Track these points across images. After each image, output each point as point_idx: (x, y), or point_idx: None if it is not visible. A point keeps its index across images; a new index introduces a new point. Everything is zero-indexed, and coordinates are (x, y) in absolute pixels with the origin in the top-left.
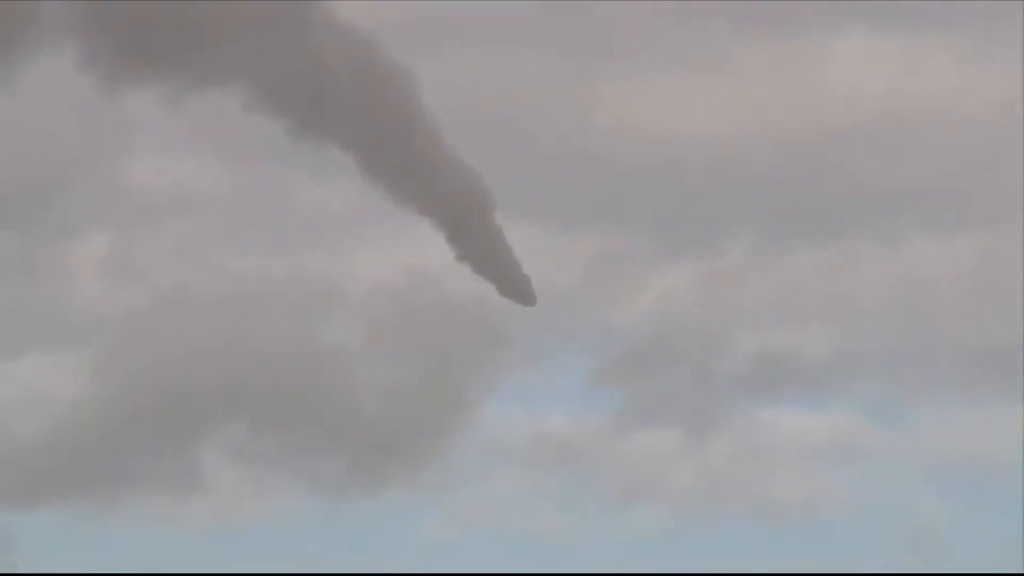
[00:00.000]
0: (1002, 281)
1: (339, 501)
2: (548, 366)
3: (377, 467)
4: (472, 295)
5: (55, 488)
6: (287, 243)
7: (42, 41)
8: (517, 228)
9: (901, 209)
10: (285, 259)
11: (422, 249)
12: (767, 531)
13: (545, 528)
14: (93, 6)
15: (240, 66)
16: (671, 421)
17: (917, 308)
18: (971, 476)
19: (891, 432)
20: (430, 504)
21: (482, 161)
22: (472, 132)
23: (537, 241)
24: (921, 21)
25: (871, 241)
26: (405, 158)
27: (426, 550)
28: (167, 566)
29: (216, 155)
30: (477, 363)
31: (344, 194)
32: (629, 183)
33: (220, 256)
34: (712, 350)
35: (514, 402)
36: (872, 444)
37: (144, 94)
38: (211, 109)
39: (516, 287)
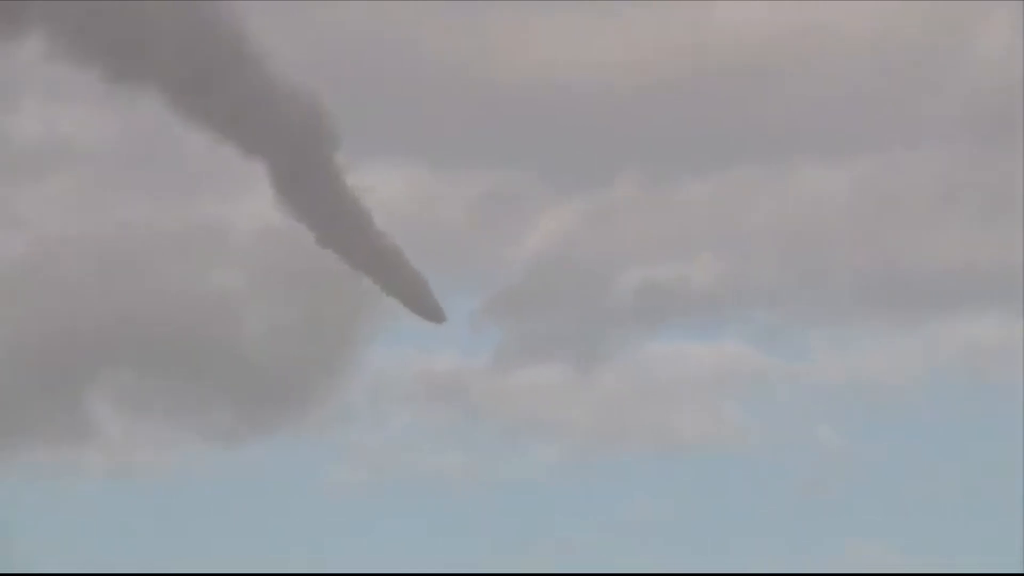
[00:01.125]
0: (891, 207)
1: (231, 447)
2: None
3: (267, 411)
4: None
5: None
6: (173, 190)
7: None
8: (405, 168)
9: (789, 139)
10: (172, 206)
11: None
12: (666, 464)
13: (442, 467)
14: None
15: (42, 11)
16: (559, 356)
17: (807, 237)
18: (866, 402)
19: (785, 361)
20: (323, 446)
21: (367, 100)
22: (358, 70)
23: (425, 180)
24: None
25: (759, 172)
26: (227, 100)
27: (323, 492)
28: (62, 519)
29: (101, 103)
30: (364, 304)
31: None
32: (517, 121)
33: (106, 204)
34: (599, 285)
35: (403, 342)
36: (767, 373)
37: None
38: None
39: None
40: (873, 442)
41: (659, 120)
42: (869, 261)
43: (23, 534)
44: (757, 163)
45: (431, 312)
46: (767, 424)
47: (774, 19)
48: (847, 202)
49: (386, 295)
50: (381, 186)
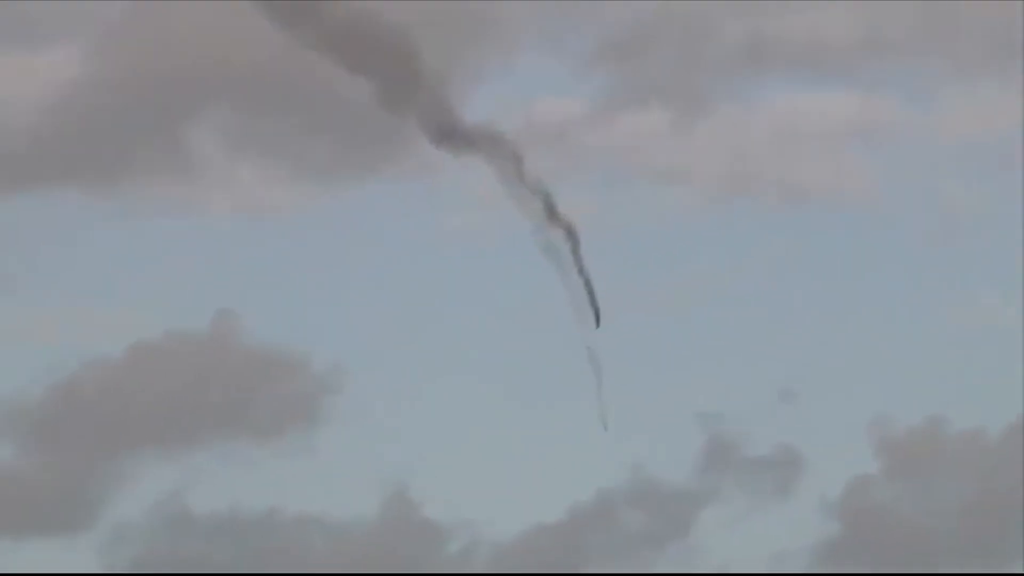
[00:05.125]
0: None
1: (331, 185)
2: (540, 52)
3: (368, 151)
4: None
5: (45, 174)
6: None
7: None
8: None
9: None
10: None
11: None
12: (790, 213)
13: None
14: None
15: None
16: (671, 103)
17: None
18: (993, 158)
19: (914, 113)
20: (427, 190)
21: None
22: None
23: None
24: None
25: None
26: None
27: (434, 234)
28: (164, 254)
29: None
30: (468, 48)
31: None
32: None
33: None
34: (713, 32)
35: (509, 85)
36: (894, 125)
37: None
38: None
39: None
40: (999, 198)
41: None
42: (1005, 13)
43: (121, 266)
44: None
45: None
46: (892, 176)
47: None
48: None
49: None
50: None
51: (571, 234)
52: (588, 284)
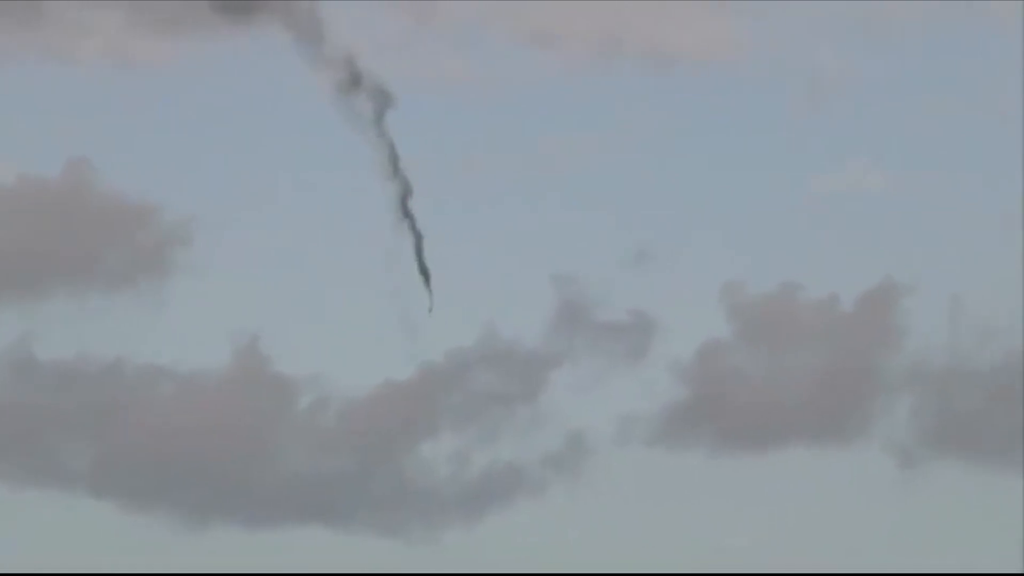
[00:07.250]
0: None
1: (190, 37)
2: None
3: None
4: None
5: None
6: None
7: None
8: None
9: None
10: None
11: None
12: (657, 79)
13: (431, 73)
14: None
15: None
16: None
17: None
18: (863, 23)
19: None
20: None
21: None
22: None
23: None
24: None
25: None
26: None
27: (288, 89)
28: (17, 100)
29: None
30: None
31: None
32: None
33: None
34: None
35: None
36: None
37: None
38: None
39: None
40: (867, 63)
41: None
42: None
43: None
44: None
45: None
46: (765, 39)
47: None
48: None
49: None
50: None
51: (382, 98)
52: (392, 150)
